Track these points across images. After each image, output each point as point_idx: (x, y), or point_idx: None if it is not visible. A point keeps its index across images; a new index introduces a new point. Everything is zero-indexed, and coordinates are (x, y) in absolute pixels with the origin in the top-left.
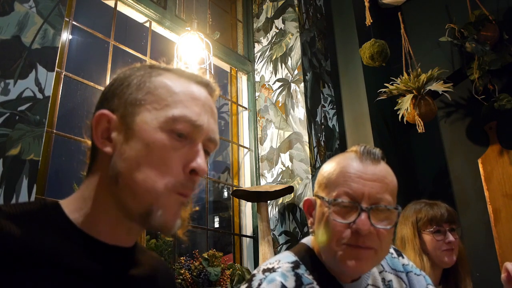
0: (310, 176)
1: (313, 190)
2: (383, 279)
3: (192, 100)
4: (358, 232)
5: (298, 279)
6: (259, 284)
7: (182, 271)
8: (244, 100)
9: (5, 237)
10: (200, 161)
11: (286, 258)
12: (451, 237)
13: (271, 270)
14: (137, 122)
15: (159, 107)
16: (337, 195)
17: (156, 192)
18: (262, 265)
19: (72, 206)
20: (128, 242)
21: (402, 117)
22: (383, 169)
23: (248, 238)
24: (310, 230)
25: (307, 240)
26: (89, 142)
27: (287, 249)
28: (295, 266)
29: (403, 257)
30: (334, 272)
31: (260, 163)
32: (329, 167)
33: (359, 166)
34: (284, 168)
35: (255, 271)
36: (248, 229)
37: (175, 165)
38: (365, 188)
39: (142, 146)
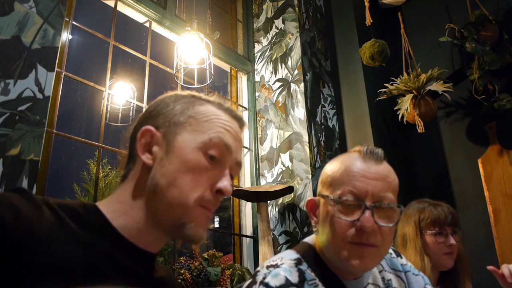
0: (310, 176)
1: (313, 190)
2: (383, 278)
3: (226, 130)
4: (362, 229)
5: (302, 275)
6: (264, 278)
7: (182, 271)
8: (244, 100)
9: (64, 224)
10: (227, 183)
11: (289, 255)
12: (452, 240)
13: (275, 266)
14: (178, 140)
15: (198, 131)
16: (341, 193)
17: (187, 205)
18: (265, 262)
19: (108, 208)
20: (154, 249)
21: (402, 117)
22: (386, 169)
23: (248, 238)
24: (314, 229)
25: (309, 239)
26: (124, 152)
27: (287, 249)
28: (298, 262)
29: (401, 258)
30: (336, 270)
31: (260, 163)
32: (333, 167)
33: (362, 165)
34: (284, 168)
35: (259, 268)
36: (248, 229)
37: (205, 183)
38: (369, 187)
39: (180, 162)
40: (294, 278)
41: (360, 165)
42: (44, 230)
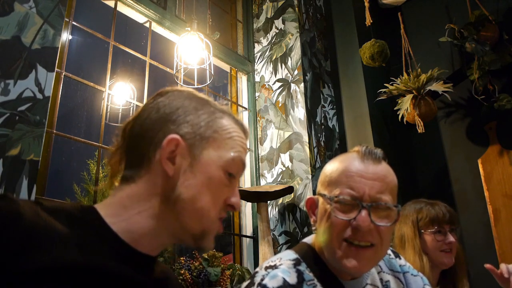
0: (310, 176)
1: (313, 190)
2: (381, 279)
3: (242, 146)
4: (358, 228)
5: (300, 275)
6: (262, 280)
7: (182, 272)
8: (244, 101)
9: (50, 231)
10: (238, 198)
11: (288, 256)
12: (451, 238)
13: (273, 267)
14: (204, 156)
15: (222, 148)
16: (339, 193)
17: (211, 219)
18: (264, 263)
19: (108, 211)
20: (155, 252)
21: (402, 117)
22: (384, 169)
23: (248, 238)
24: (313, 228)
25: (308, 239)
26: (113, 148)
27: (287, 249)
28: (296, 263)
29: (400, 258)
30: (334, 270)
31: (260, 163)
32: (331, 166)
33: (360, 165)
34: (284, 168)
35: (257, 269)
36: (248, 229)
37: (222, 198)
38: (366, 187)
39: (205, 178)
40: (292, 279)
41: (358, 165)
42: (21, 235)
